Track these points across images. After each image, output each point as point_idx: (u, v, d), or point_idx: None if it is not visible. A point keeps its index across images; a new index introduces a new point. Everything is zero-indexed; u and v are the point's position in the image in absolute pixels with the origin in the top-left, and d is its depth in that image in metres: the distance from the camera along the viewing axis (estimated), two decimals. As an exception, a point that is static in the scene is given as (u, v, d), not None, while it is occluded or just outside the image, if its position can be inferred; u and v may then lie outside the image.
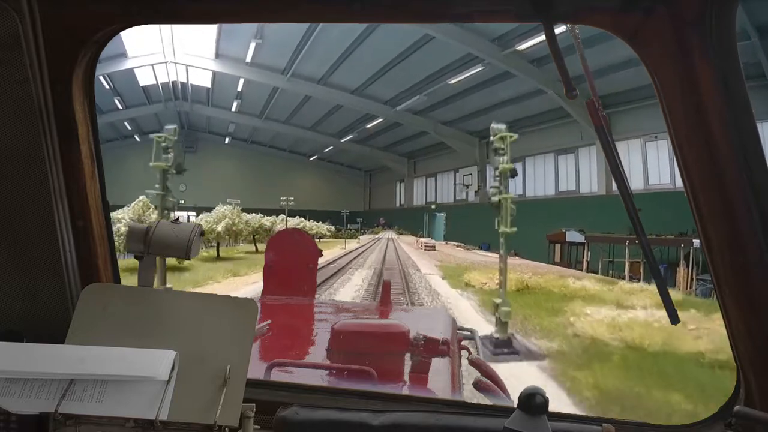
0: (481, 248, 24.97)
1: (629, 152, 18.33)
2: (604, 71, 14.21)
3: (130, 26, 1.12)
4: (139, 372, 0.90)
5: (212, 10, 1.11)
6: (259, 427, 0.99)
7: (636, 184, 17.83)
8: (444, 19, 1.09)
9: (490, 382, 1.85)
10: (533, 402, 0.98)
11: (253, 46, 20.00)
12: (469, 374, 2.15)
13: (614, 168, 1.07)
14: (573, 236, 18.87)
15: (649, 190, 17.40)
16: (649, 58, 1.01)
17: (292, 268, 2.79)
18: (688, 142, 1.01)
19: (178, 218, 1.08)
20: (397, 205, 36.09)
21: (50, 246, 1.14)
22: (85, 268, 1.21)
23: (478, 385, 1.80)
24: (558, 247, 20.12)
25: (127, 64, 20.48)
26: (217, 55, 21.74)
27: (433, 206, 31.59)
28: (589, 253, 18.68)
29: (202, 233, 1.07)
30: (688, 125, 1.00)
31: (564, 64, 1.00)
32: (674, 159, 1.04)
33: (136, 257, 1.04)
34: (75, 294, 1.17)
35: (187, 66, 22.96)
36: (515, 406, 1.01)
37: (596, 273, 17.57)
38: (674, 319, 1.10)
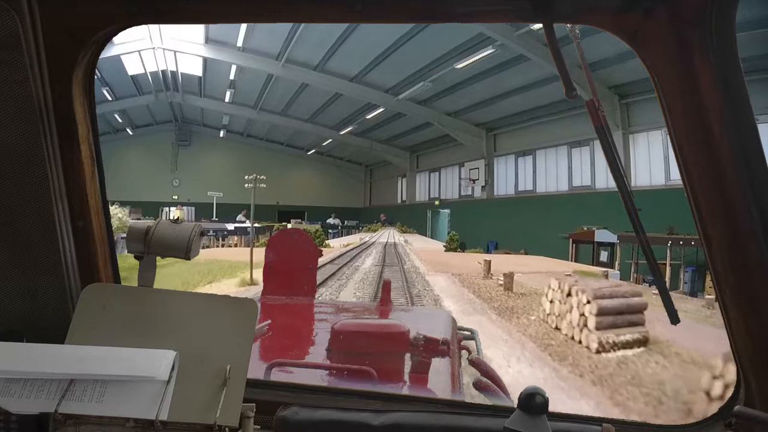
0: (488, 248, 24.54)
1: (649, 145, 18.12)
2: (623, 57, 14.08)
3: (130, 26, 1.17)
4: (139, 372, 0.95)
5: (212, 10, 1.16)
6: (259, 427, 1.04)
7: (656, 179, 17.64)
8: (444, 19, 1.15)
9: (490, 382, 1.92)
10: (533, 402, 1.02)
11: (244, 28, 19.80)
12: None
13: (614, 168, 1.13)
14: (603, 235, 17.99)
15: (670, 186, 17.12)
16: (649, 58, 1.07)
17: (292, 268, 2.87)
18: (688, 142, 1.07)
19: (178, 218, 1.14)
20: (399, 201, 35.88)
21: (50, 246, 1.20)
22: (85, 268, 1.27)
23: (478, 385, 1.88)
24: (573, 247, 19.78)
25: (113, 51, 20.43)
26: (207, 40, 21.57)
27: (436, 202, 31.38)
28: (603, 253, 18.44)
29: (203, 233, 1.13)
30: (688, 125, 1.06)
31: (564, 63, 1.06)
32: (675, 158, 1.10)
33: (136, 257, 1.10)
34: (75, 294, 1.23)
35: (175, 52, 22.87)
36: (515, 406, 1.05)
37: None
38: (674, 319, 1.16)
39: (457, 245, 24.51)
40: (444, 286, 13.55)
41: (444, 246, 25.04)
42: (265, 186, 24.62)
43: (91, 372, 0.95)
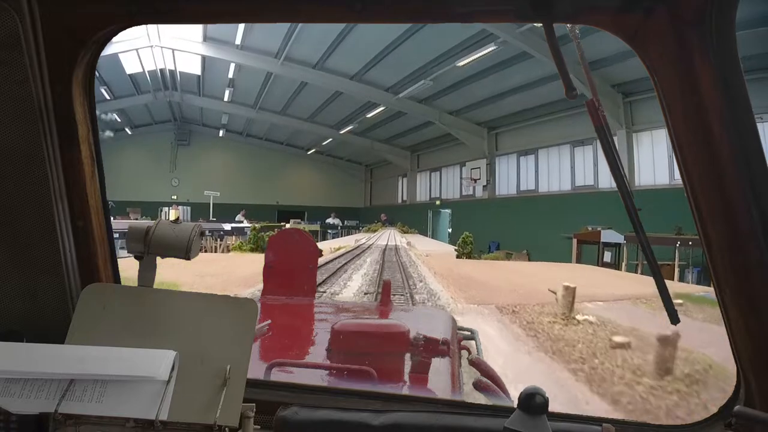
0: (489, 248, 24.36)
1: (653, 144, 18.12)
2: (626, 55, 14.06)
3: (130, 26, 1.19)
4: (139, 372, 0.96)
5: (212, 10, 1.18)
6: (259, 427, 1.05)
7: (660, 178, 17.60)
8: (444, 19, 1.16)
9: (490, 382, 1.94)
10: (533, 402, 1.04)
11: (242, 26, 19.59)
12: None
13: (614, 168, 1.14)
14: (609, 236, 17.60)
15: (674, 185, 17.07)
16: (649, 58, 1.08)
17: (292, 268, 2.89)
18: (688, 142, 1.08)
19: (178, 218, 1.16)
20: (399, 201, 35.88)
21: (50, 246, 1.21)
22: (85, 268, 1.29)
23: (478, 385, 1.90)
24: (577, 247, 19.57)
25: (111, 50, 20.45)
26: (205, 38, 21.55)
27: (437, 202, 31.33)
28: (607, 254, 18.33)
29: (203, 233, 1.14)
30: (688, 125, 1.07)
31: (564, 63, 1.07)
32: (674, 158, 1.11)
33: (136, 257, 1.12)
34: (75, 294, 1.24)
35: (173, 50, 22.89)
36: (515, 406, 1.07)
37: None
38: (674, 318, 1.17)
39: (471, 249, 20.81)
40: (507, 354, 6.96)
41: (455, 250, 21.31)
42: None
43: (91, 372, 0.96)
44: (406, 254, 19.36)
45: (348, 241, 24.05)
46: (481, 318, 8.87)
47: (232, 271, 13.02)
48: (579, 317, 8.94)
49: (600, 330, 8.15)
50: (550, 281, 11.10)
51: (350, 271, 13.84)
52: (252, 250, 20.34)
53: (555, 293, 9.75)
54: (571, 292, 9.33)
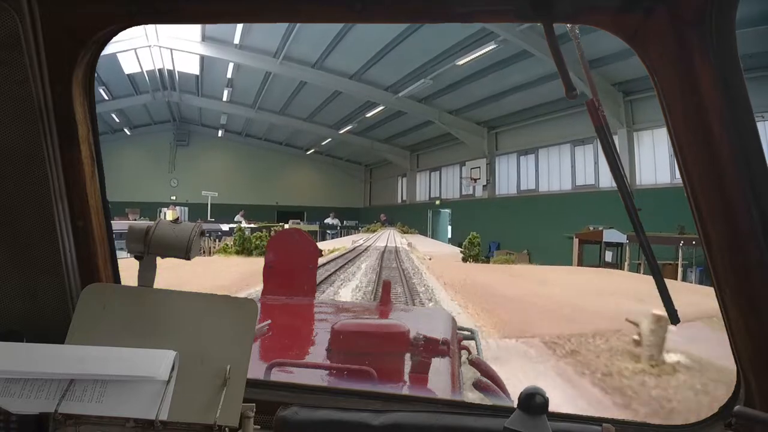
0: (489, 248, 24.20)
1: (654, 143, 18.10)
2: (627, 54, 14.05)
3: (130, 26, 1.20)
4: (139, 372, 0.96)
5: (212, 10, 1.19)
6: (259, 427, 1.06)
7: (662, 178, 17.60)
8: (444, 19, 1.17)
9: (490, 382, 1.95)
10: (533, 402, 1.04)
11: (241, 25, 19.58)
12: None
13: (614, 168, 1.15)
14: (612, 235, 17.33)
15: (676, 184, 17.02)
16: (649, 58, 1.09)
17: (292, 268, 2.90)
18: (688, 142, 1.09)
19: (178, 218, 1.16)
20: (399, 201, 35.87)
21: (50, 246, 1.22)
22: (85, 268, 1.29)
23: (478, 385, 1.90)
24: (579, 247, 19.46)
25: (109, 49, 20.41)
26: (204, 38, 21.52)
27: (437, 202, 31.33)
28: (608, 253, 18.28)
29: (203, 233, 1.15)
30: (688, 125, 1.08)
31: (564, 63, 1.08)
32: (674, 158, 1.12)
33: (136, 257, 1.12)
34: (75, 294, 1.24)
35: (171, 50, 22.88)
36: (515, 406, 1.07)
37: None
38: (674, 318, 1.18)
39: (478, 251, 19.42)
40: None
41: (461, 252, 20.01)
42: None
43: (91, 372, 0.96)
44: (408, 258, 18.09)
45: (345, 243, 23.07)
46: (528, 364, 6.28)
47: (192, 281, 10.59)
48: (667, 357, 6.62)
49: (708, 381, 5.72)
50: (586, 291, 9.03)
51: (337, 285, 11.95)
52: (238, 252, 19.25)
53: (637, 325, 6.99)
54: (663, 325, 6.62)
